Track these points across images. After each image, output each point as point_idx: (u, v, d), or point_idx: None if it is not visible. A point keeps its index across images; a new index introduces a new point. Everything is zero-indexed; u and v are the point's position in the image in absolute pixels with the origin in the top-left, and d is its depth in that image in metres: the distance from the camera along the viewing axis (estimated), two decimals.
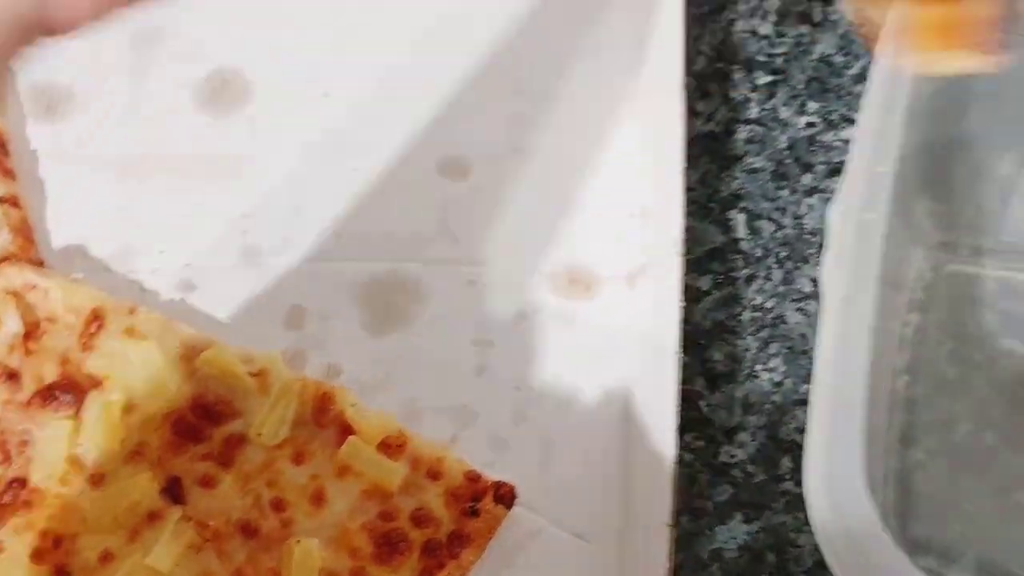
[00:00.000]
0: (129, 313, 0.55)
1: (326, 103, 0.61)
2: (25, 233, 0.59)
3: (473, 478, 0.51)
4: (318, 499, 0.51)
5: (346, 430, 0.52)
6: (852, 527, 0.43)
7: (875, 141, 0.48)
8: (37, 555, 0.50)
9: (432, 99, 0.61)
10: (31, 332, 0.55)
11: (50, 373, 0.54)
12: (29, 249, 0.59)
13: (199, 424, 0.52)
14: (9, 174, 0.60)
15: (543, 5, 0.62)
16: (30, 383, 0.54)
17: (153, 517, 0.51)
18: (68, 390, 0.53)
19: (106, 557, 0.51)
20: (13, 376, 0.54)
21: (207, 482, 0.52)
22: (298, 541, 0.50)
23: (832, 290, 0.47)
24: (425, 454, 0.52)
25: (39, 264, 0.59)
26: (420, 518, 0.51)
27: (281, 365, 0.54)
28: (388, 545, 0.50)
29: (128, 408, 0.52)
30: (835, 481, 0.44)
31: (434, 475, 0.51)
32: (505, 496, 0.51)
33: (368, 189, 0.60)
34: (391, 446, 0.52)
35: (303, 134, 0.61)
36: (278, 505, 0.51)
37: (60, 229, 0.60)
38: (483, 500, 0.51)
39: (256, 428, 0.52)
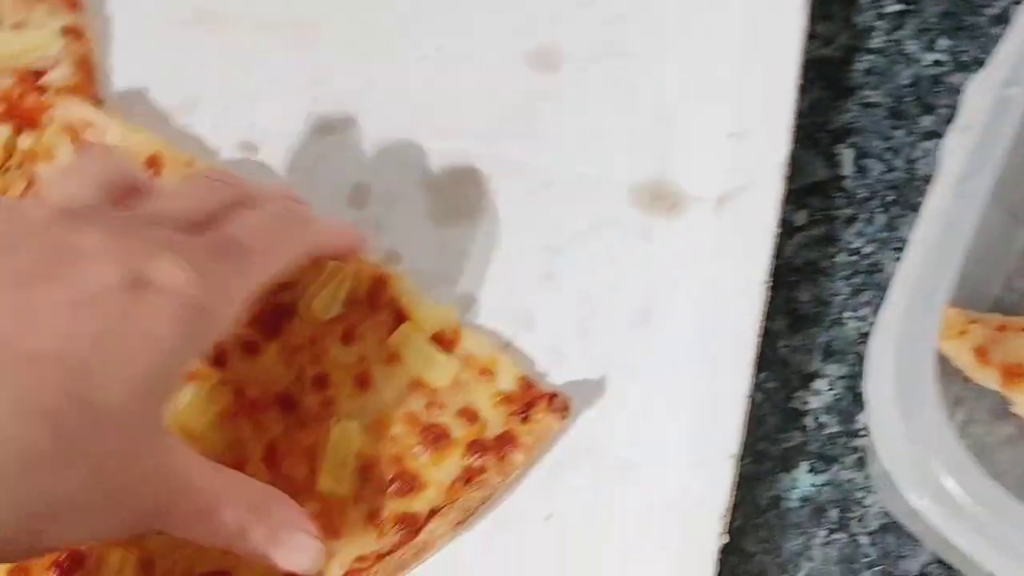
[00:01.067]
0: (187, 165, 0.52)
1: None
2: (87, 68, 0.57)
3: (527, 385, 0.48)
4: (363, 382, 0.48)
5: (400, 316, 0.49)
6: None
7: None
8: None
9: None
10: None
11: None
12: (89, 85, 0.56)
13: None
14: (76, 5, 0.57)
15: None
16: None
17: (192, 376, 0.48)
18: None
19: None
20: None
21: (250, 348, 0.49)
22: (338, 421, 0.47)
23: (949, 165, 0.43)
24: (479, 353, 0.49)
25: (98, 102, 0.56)
26: (468, 415, 0.47)
27: None
28: (431, 438, 0.47)
29: None
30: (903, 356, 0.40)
31: (487, 375, 0.48)
32: (559, 407, 0.48)
33: (449, 71, 0.57)
34: (445, 340, 0.49)
35: (388, 6, 0.57)
36: (321, 382, 0.48)
37: (122, 71, 0.57)
38: (535, 407, 0.47)
39: (306, 301, 0.49)
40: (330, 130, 0.56)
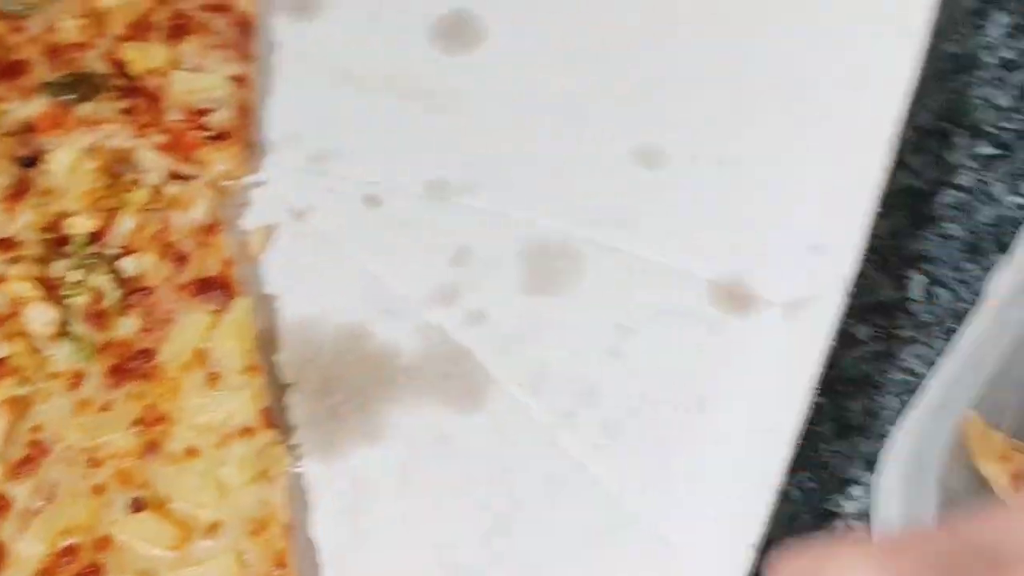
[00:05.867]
0: None
1: (553, 63, 0.65)
2: (246, 113, 0.66)
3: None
4: None
5: None
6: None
7: None
8: (138, 423, 0.56)
9: (650, 85, 0.64)
10: (213, 227, 0.62)
11: (213, 267, 0.60)
12: (245, 129, 0.65)
13: None
14: (248, 58, 0.67)
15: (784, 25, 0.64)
16: (194, 270, 0.60)
17: (246, 432, 0.55)
18: (223, 290, 0.59)
19: (191, 452, 0.56)
20: (182, 259, 0.61)
21: None
22: None
23: (993, 293, 0.47)
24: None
25: (251, 146, 0.65)
26: None
27: None
28: None
29: None
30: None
31: None
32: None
33: (565, 157, 0.64)
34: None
35: (523, 87, 0.66)
36: None
37: (276, 118, 0.66)
38: None
39: None
40: (447, 194, 0.63)
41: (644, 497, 0.56)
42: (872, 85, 0.62)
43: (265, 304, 0.61)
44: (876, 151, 0.58)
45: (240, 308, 0.59)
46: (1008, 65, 0.64)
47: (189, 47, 0.66)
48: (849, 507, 0.57)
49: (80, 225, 0.61)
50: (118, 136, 0.64)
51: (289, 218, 0.63)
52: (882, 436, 0.57)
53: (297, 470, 0.56)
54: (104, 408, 0.56)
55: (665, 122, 0.64)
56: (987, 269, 0.60)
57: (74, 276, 0.59)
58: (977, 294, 0.58)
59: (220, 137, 0.64)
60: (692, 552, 0.55)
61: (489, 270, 0.62)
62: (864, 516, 0.56)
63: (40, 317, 0.58)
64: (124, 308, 0.59)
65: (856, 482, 0.57)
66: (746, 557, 0.52)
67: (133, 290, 0.60)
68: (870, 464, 0.57)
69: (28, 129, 0.64)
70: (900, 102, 0.59)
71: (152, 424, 0.56)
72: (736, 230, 0.61)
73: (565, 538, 0.55)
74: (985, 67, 0.63)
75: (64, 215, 0.61)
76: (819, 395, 0.57)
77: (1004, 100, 0.62)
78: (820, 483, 0.57)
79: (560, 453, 0.57)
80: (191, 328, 0.58)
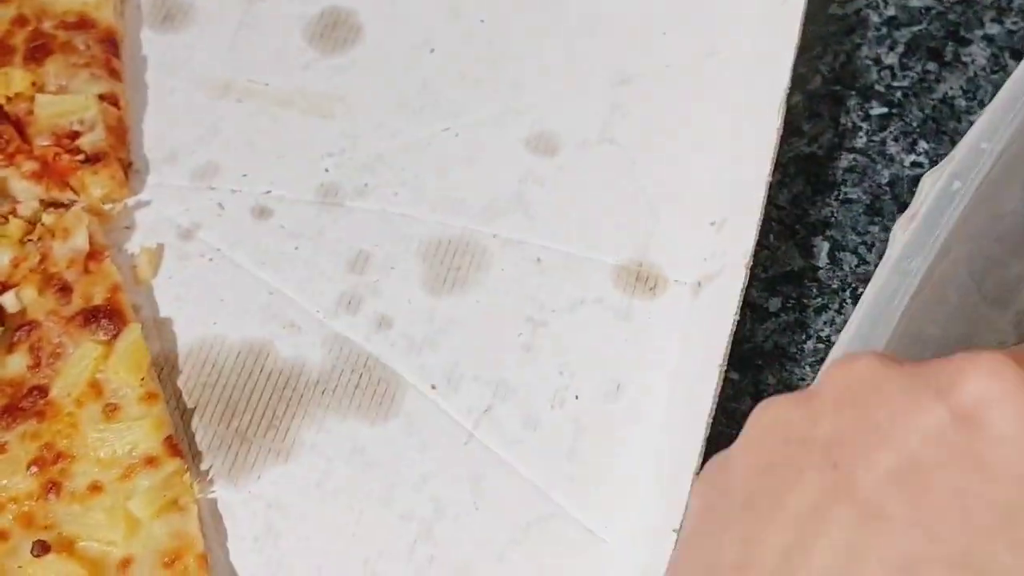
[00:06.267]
0: None
1: (430, 58, 0.64)
2: (119, 133, 0.63)
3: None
4: None
5: None
6: None
7: (992, 118, 0.48)
8: (36, 463, 0.54)
9: (534, 73, 0.64)
10: (96, 253, 0.59)
11: (100, 295, 0.58)
12: (120, 149, 0.63)
13: None
14: (116, 75, 0.65)
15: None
16: (79, 300, 0.58)
17: (151, 462, 0.53)
18: (111, 318, 0.57)
19: (95, 488, 0.53)
20: (66, 289, 0.58)
21: None
22: None
23: (891, 250, 0.47)
24: None
25: (128, 165, 0.62)
26: None
27: None
28: None
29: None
30: None
31: None
32: None
33: (454, 150, 0.63)
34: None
35: (401, 84, 0.64)
36: None
37: (153, 135, 0.64)
38: None
39: None
40: (339, 199, 0.62)
41: (568, 489, 0.55)
42: (758, 54, 0.61)
43: (160, 328, 0.59)
44: (767, 120, 0.58)
45: (132, 335, 0.56)
46: (893, 22, 0.64)
47: (53, 67, 0.64)
48: None
49: None
50: None
51: (177, 238, 0.61)
52: None
53: (209, 496, 0.54)
54: None
55: (554, 108, 0.64)
56: (887, 229, 0.60)
57: None
58: (881, 256, 0.58)
59: (94, 159, 0.62)
60: (618, 542, 0.54)
61: (390, 273, 0.60)
62: None
63: None
64: (10, 345, 0.56)
65: None
66: (671, 543, 0.51)
67: (18, 326, 0.57)
68: None
69: None
70: (786, 68, 0.59)
71: (51, 463, 0.53)
72: (636, 212, 0.61)
73: (492, 537, 0.54)
74: (872, 26, 0.64)
75: None
76: (734, 371, 0.57)
77: (892, 58, 0.63)
78: None
79: (480, 452, 0.56)
80: (82, 360, 0.56)
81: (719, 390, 0.52)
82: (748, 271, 0.54)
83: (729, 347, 0.53)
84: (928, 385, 0.35)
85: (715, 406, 0.52)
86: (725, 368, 0.53)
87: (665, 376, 0.57)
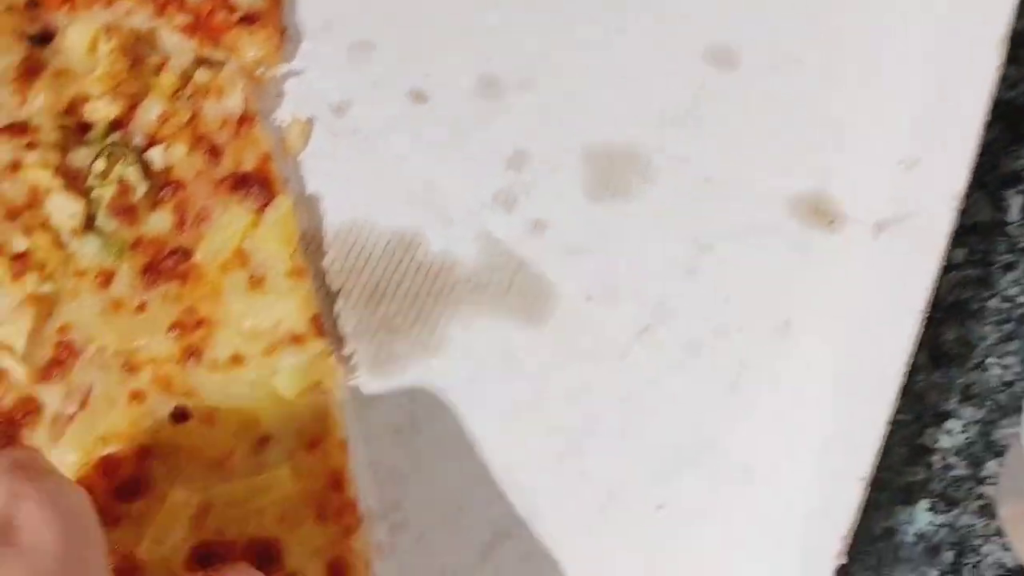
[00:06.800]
0: None
1: None
2: None
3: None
4: None
5: None
6: None
7: None
8: (176, 326, 0.51)
9: None
10: (248, 118, 0.56)
11: (250, 162, 0.55)
12: (277, 13, 0.59)
13: None
14: None
15: None
16: (229, 164, 0.55)
17: (296, 340, 0.51)
18: (263, 186, 0.54)
19: (237, 359, 0.51)
20: (215, 152, 0.55)
21: None
22: None
23: None
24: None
25: (281, 31, 0.59)
26: None
27: None
28: None
29: None
30: None
31: None
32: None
33: (628, 55, 0.59)
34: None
35: None
36: None
37: (310, 4, 0.60)
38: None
39: None
40: (501, 92, 0.58)
41: (725, 421, 0.52)
42: None
43: (307, 205, 0.56)
44: (984, 53, 0.54)
45: (282, 206, 0.54)
46: None
47: None
48: (945, 442, 0.53)
49: (101, 110, 0.55)
50: (136, 15, 0.58)
51: (328, 113, 0.58)
52: (978, 367, 0.54)
53: (352, 383, 0.51)
54: (138, 309, 0.51)
55: (741, 19, 0.59)
56: None
57: (98, 166, 0.53)
58: None
59: (250, 20, 0.58)
60: (778, 484, 0.51)
61: (549, 175, 0.57)
62: (961, 452, 0.53)
63: (63, 208, 0.53)
64: (154, 203, 0.53)
65: (953, 415, 0.53)
66: (856, 491, 0.48)
67: (163, 184, 0.54)
68: (967, 397, 0.54)
69: (35, 3, 0.57)
70: (1007, 6, 0.54)
71: (192, 328, 0.51)
72: (818, 141, 0.57)
73: (643, 460, 0.51)
74: None
75: (83, 99, 0.55)
76: None
77: None
78: (915, 415, 0.54)
79: (636, 371, 0.53)
80: (230, 226, 0.53)
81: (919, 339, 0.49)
82: (957, 214, 0.51)
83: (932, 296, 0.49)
84: None
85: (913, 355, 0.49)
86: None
87: (839, 319, 0.53)
